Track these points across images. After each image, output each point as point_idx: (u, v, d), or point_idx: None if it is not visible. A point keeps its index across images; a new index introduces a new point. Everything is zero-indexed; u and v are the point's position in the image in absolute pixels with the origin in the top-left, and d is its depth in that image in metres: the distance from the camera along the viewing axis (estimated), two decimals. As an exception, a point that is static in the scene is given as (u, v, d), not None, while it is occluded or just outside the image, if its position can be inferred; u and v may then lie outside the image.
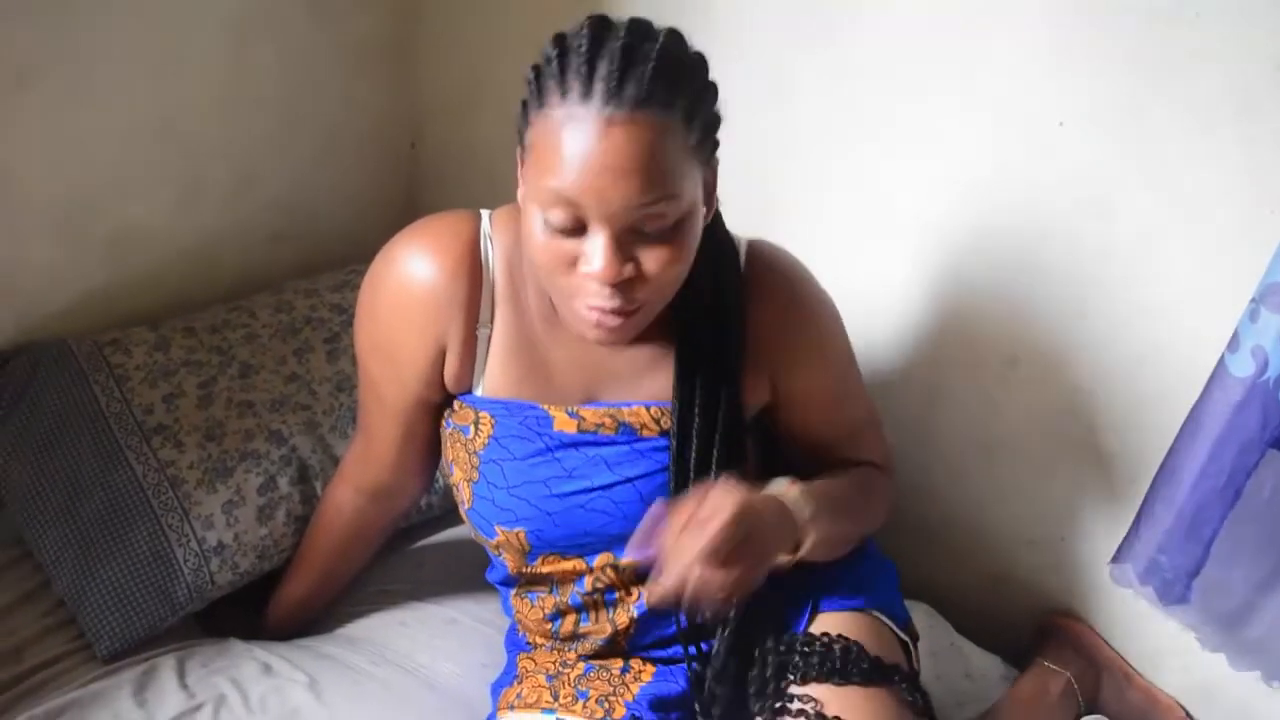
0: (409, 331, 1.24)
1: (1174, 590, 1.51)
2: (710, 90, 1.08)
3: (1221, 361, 1.38)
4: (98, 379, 1.61)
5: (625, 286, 1.05)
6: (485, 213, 1.25)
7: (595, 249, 1.02)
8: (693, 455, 1.22)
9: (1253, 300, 1.33)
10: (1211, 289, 1.43)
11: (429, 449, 1.38)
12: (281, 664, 1.46)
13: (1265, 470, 1.39)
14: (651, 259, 1.04)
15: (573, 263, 1.05)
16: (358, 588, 1.63)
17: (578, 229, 1.03)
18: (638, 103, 0.97)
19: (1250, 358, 1.35)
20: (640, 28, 1.03)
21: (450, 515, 1.76)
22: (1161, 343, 1.50)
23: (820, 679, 1.24)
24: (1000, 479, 1.74)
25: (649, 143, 0.98)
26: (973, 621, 1.76)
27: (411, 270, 1.22)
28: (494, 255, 1.23)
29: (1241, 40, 1.33)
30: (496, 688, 1.41)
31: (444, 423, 1.32)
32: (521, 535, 1.27)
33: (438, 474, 1.56)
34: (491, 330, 1.24)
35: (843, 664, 1.24)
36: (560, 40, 1.03)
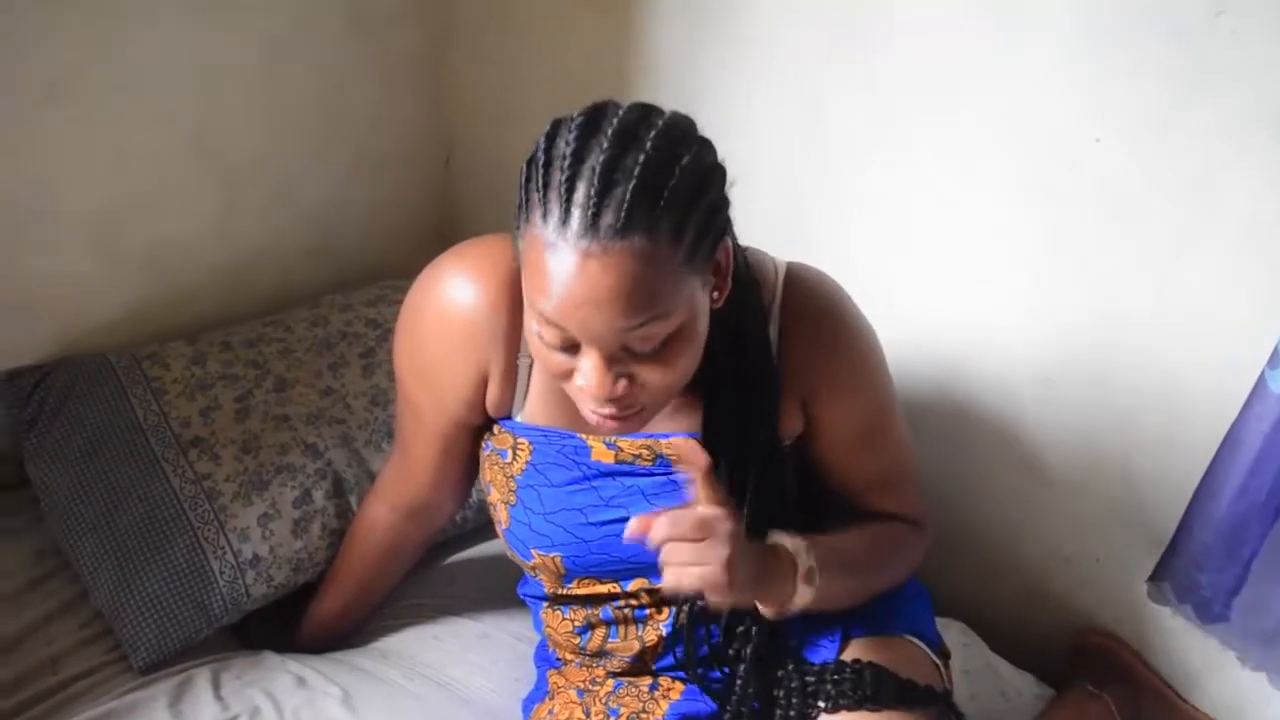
0: (450, 357, 1.24)
1: (1213, 609, 1.50)
2: (707, 185, 1.02)
3: (1261, 378, 1.37)
4: (135, 392, 1.63)
5: (621, 398, 1.04)
6: None
7: (586, 367, 1.02)
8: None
9: (1294, 316, 1.32)
10: (1250, 305, 1.42)
11: (466, 469, 1.38)
12: (316, 677, 1.46)
13: (1306, 489, 1.38)
14: (647, 372, 1.03)
15: (569, 373, 1.05)
16: (390, 601, 1.63)
17: (571, 346, 1.02)
18: (615, 232, 0.94)
19: (1291, 375, 1.33)
20: (627, 132, 0.97)
21: (483, 530, 1.77)
22: (1199, 358, 1.49)
23: (851, 706, 1.23)
24: (1035, 496, 1.73)
25: (629, 273, 0.95)
26: (1007, 640, 1.74)
27: (454, 296, 1.21)
28: None
29: (1275, 56, 1.32)
30: (528, 704, 1.42)
31: (483, 445, 1.32)
32: (558, 560, 1.27)
33: (472, 489, 1.56)
34: (532, 360, 1.23)
35: (874, 689, 1.23)
36: (551, 140, 0.99)
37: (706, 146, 1.04)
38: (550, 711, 1.34)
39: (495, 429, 1.29)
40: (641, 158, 0.96)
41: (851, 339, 1.25)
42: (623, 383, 1.03)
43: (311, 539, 1.59)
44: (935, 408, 1.77)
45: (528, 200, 1.00)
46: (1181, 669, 1.64)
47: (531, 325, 1.04)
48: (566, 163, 0.96)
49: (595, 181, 0.94)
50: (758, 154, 1.79)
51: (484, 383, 1.25)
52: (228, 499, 1.55)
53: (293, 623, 1.60)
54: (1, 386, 1.66)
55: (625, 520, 1.20)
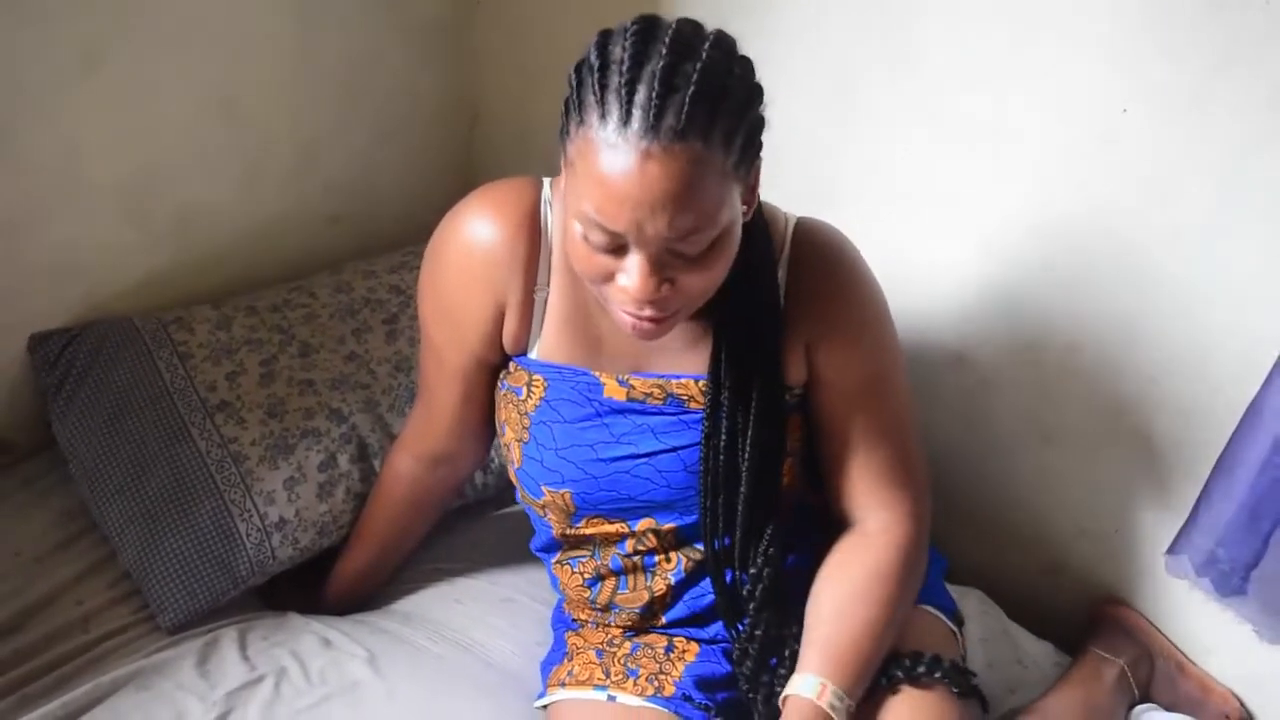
0: (470, 290, 1.27)
1: (1231, 582, 1.51)
2: (754, 98, 1.06)
3: (1283, 353, 1.37)
4: (162, 356, 1.65)
5: (660, 299, 1.06)
6: (546, 180, 1.27)
7: (631, 268, 1.04)
8: (723, 434, 1.23)
9: (1316, 291, 1.32)
10: (1274, 280, 1.42)
11: (486, 414, 1.41)
12: (340, 638, 1.49)
13: (1325, 463, 1.38)
14: (687, 276, 1.06)
15: (610, 275, 1.07)
16: (413, 565, 1.65)
17: (616, 248, 1.04)
18: (675, 134, 0.97)
19: (1314, 348, 1.34)
20: (683, 41, 1.00)
21: (504, 495, 1.78)
22: (1224, 331, 1.48)
23: None
24: (1056, 466, 1.73)
25: (686, 175, 0.98)
26: (1025, 609, 1.75)
27: (475, 231, 1.25)
28: (553, 221, 1.25)
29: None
30: (546, 665, 1.44)
31: (499, 384, 1.35)
32: (567, 496, 1.30)
33: (492, 454, 1.58)
34: (548, 293, 1.27)
35: (881, 668, 1.25)
36: (603, 48, 1.02)
37: (750, 64, 1.07)
38: (570, 672, 1.36)
39: (511, 366, 1.33)
40: (699, 65, 0.98)
41: (856, 290, 1.27)
42: (665, 285, 1.05)
43: (336, 503, 1.61)
44: (958, 376, 1.78)
45: (581, 103, 1.01)
46: (1197, 641, 1.65)
47: (574, 228, 1.06)
48: (625, 66, 0.98)
49: (656, 85, 0.97)
50: (787, 130, 1.76)
51: (501, 317, 1.28)
52: (254, 462, 1.57)
53: (317, 585, 1.62)
54: (29, 350, 1.68)
55: (634, 458, 1.26)
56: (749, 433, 1.23)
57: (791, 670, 1.25)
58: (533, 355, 1.30)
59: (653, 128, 0.96)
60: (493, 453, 1.55)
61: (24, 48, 1.53)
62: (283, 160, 1.96)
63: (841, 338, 1.27)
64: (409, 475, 1.51)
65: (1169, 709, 1.60)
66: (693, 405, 1.26)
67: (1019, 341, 1.70)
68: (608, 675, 1.33)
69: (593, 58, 1.02)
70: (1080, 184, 1.56)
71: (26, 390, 1.70)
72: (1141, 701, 1.63)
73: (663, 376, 1.27)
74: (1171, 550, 1.57)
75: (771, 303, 1.23)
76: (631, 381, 1.27)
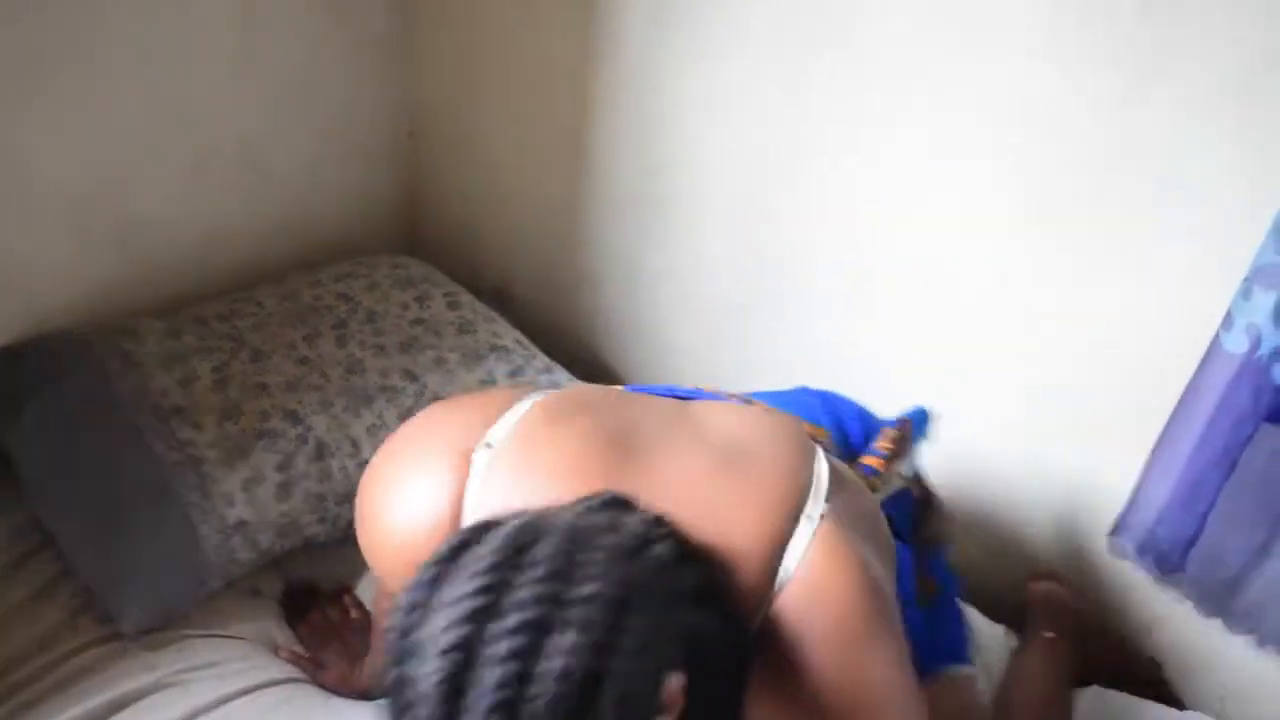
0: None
1: (1171, 560, 1.56)
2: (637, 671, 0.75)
3: (1216, 338, 1.43)
4: (113, 365, 1.64)
5: None
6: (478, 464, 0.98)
7: None
8: None
9: (1245, 279, 1.37)
10: (1209, 269, 1.47)
11: None
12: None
13: (1259, 443, 1.44)
14: None
15: None
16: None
17: None
18: None
19: (1244, 335, 1.39)
20: (527, 647, 0.70)
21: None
22: (1162, 316, 1.53)
23: None
24: (1001, 452, 1.78)
25: None
26: (975, 595, 1.78)
27: (389, 537, 1.00)
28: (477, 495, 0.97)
29: (1234, 32, 1.37)
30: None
31: None
32: None
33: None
34: None
35: None
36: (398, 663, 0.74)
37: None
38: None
39: None
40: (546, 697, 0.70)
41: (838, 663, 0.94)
42: None
43: (295, 504, 1.59)
44: (915, 377, 1.82)
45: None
46: (1139, 618, 1.70)
47: None
48: (442, 696, 0.70)
49: None
50: (738, 139, 1.80)
51: None
52: (211, 465, 1.56)
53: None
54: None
55: None
56: None
57: None
58: None
59: None
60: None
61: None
62: (227, 172, 1.96)
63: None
64: None
65: (1095, 678, 1.64)
66: None
67: (956, 335, 1.75)
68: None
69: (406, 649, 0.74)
70: (1017, 183, 1.60)
71: (-29, 410, 1.66)
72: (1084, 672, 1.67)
73: None
74: (1113, 532, 1.62)
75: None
76: None
